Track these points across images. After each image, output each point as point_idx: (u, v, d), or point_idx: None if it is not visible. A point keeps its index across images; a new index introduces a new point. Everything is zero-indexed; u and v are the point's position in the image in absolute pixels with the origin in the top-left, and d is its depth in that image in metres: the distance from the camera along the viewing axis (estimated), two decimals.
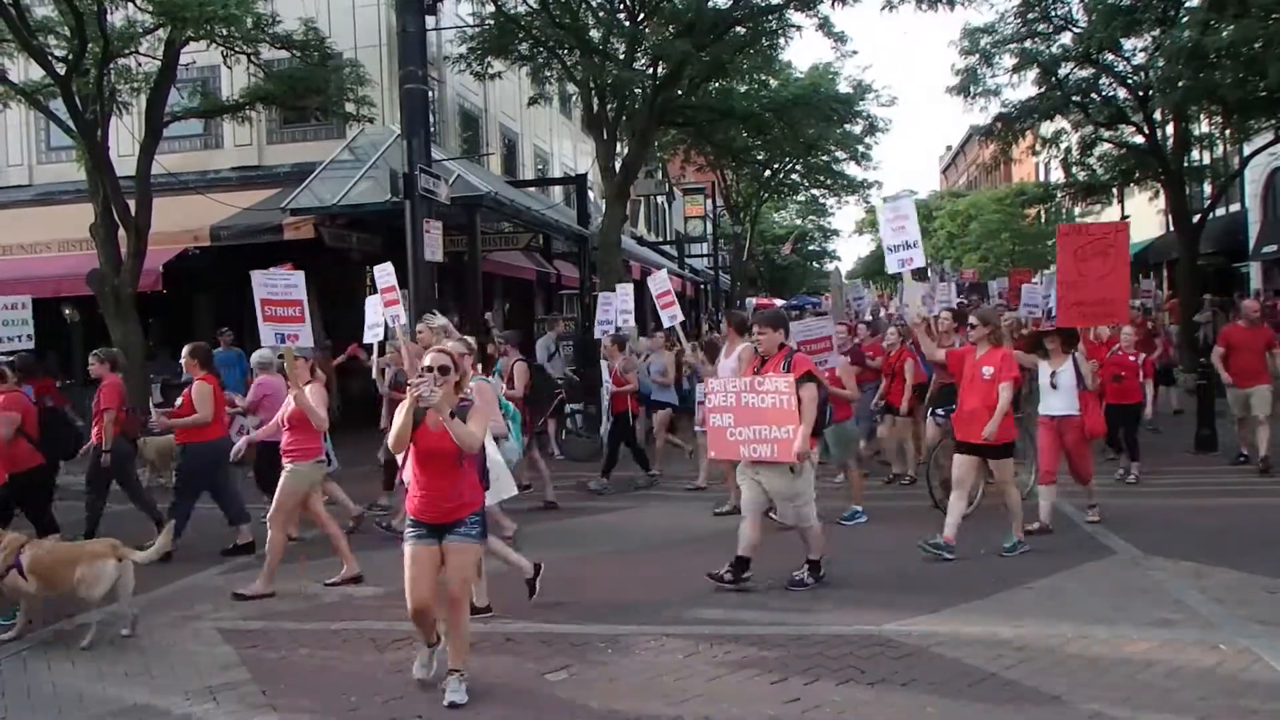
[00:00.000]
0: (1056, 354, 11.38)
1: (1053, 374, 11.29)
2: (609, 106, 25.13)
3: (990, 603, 8.58)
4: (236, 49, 18.97)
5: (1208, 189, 35.20)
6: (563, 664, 7.41)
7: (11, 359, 12.16)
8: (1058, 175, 40.94)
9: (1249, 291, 37.54)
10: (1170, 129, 29.59)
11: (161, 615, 9.05)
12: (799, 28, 26.34)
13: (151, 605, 9.34)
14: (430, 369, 6.66)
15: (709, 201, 52.54)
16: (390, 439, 6.91)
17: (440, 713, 6.64)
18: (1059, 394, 11.24)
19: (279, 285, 10.26)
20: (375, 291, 14.42)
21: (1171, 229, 34.67)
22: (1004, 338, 11.06)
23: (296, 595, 9.59)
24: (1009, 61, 29.53)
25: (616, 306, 17.86)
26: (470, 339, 10.01)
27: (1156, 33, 25.44)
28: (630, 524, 12.59)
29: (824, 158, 46.02)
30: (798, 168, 50.39)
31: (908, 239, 11.01)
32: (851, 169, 49.11)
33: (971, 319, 10.96)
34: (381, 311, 13.86)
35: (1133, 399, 14.23)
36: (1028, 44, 29.16)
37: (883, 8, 23.26)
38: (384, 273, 13.67)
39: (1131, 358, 14.24)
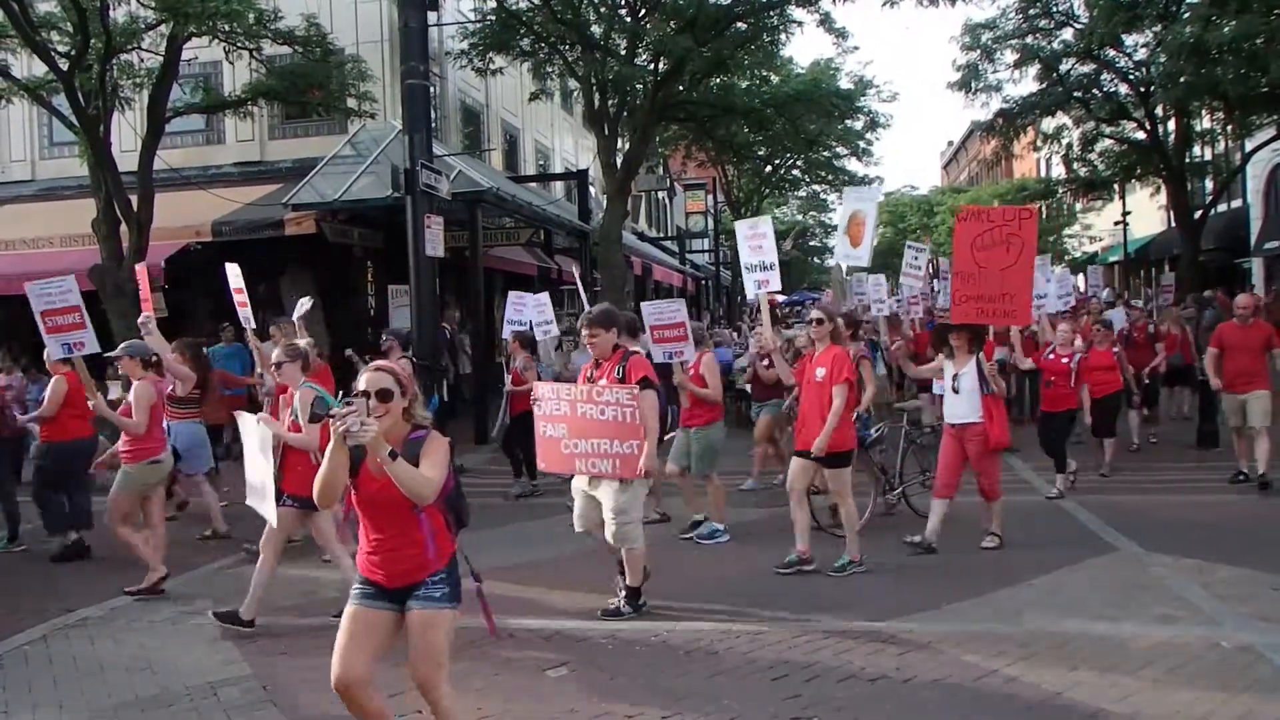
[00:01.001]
0: (961, 353, 10.41)
1: (955, 376, 10.35)
2: (610, 102, 25.13)
3: (992, 599, 8.57)
4: (238, 45, 18.96)
5: (1209, 185, 35.24)
6: (562, 660, 7.41)
7: None
8: (1059, 171, 41.08)
9: (1250, 288, 37.58)
10: (1172, 125, 29.67)
11: (163, 610, 9.05)
12: (800, 23, 26.40)
13: (153, 601, 9.35)
14: (365, 394, 5.02)
15: (710, 197, 52.55)
16: (315, 490, 5.12)
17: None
18: (961, 399, 10.27)
19: (54, 294, 9.99)
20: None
21: (1173, 225, 34.68)
22: (843, 335, 10.21)
23: (297, 591, 9.59)
24: (1010, 57, 29.68)
25: (529, 314, 16.18)
26: (305, 341, 9.75)
27: (1158, 28, 25.50)
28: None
29: (825, 153, 46.04)
30: (799, 163, 50.42)
31: (765, 259, 10.61)
32: (853, 164, 49.12)
33: (812, 314, 10.25)
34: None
35: (1065, 405, 13.32)
36: (1029, 40, 29.26)
37: (884, 3, 23.33)
38: (233, 274, 13.64)
39: (1065, 360, 13.17)
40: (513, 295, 16.39)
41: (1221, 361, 13.27)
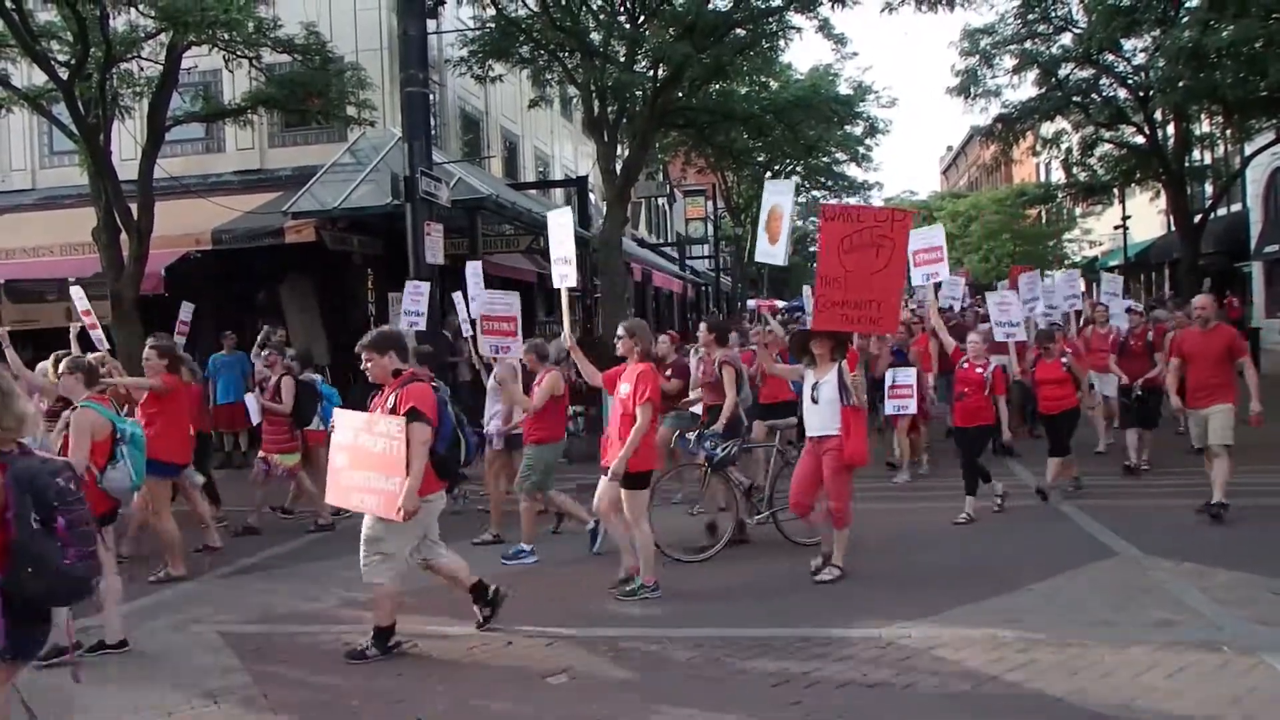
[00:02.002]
0: (822, 362, 9.75)
1: (815, 386, 9.73)
2: (609, 109, 25.13)
3: (992, 605, 8.57)
4: (238, 53, 18.97)
5: (1209, 189, 35.27)
6: (563, 667, 7.42)
7: None
8: (1058, 176, 41.08)
9: (1250, 291, 37.59)
10: (1171, 129, 29.70)
11: (163, 619, 9.06)
12: (799, 30, 26.37)
13: (153, 609, 9.36)
14: None
15: (710, 203, 52.57)
16: None
17: (440, 717, 6.66)
18: (820, 410, 9.65)
19: None
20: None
21: (1173, 229, 34.70)
22: (651, 352, 9.71)
23: (297, 599, 9.60)
24: (1009, 62, 29.71)
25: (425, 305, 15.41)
26: (87, 358, 9.55)
27: (1157, 33, 25.51)
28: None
29: (824, 159, 46.07)
30: (798, 169, 50.37)
31: (565, 253, 10.34)
32: (852, 170, 49.29)
33: (619, 330, 9.70)
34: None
35: (981, 420, 12.28)
36: (1028, 45, 29.30)
37: (882, 9, 23.36)
38: (78, 296, 13.68)
39: (980, 371, 12.24)
40: (410, 286, 15.19)
41: (1183, 374, 12.18)
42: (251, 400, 13.61)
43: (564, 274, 10.28)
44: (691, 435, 11.18)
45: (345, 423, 8.17)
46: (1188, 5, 24.60)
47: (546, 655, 7.72)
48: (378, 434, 7.68)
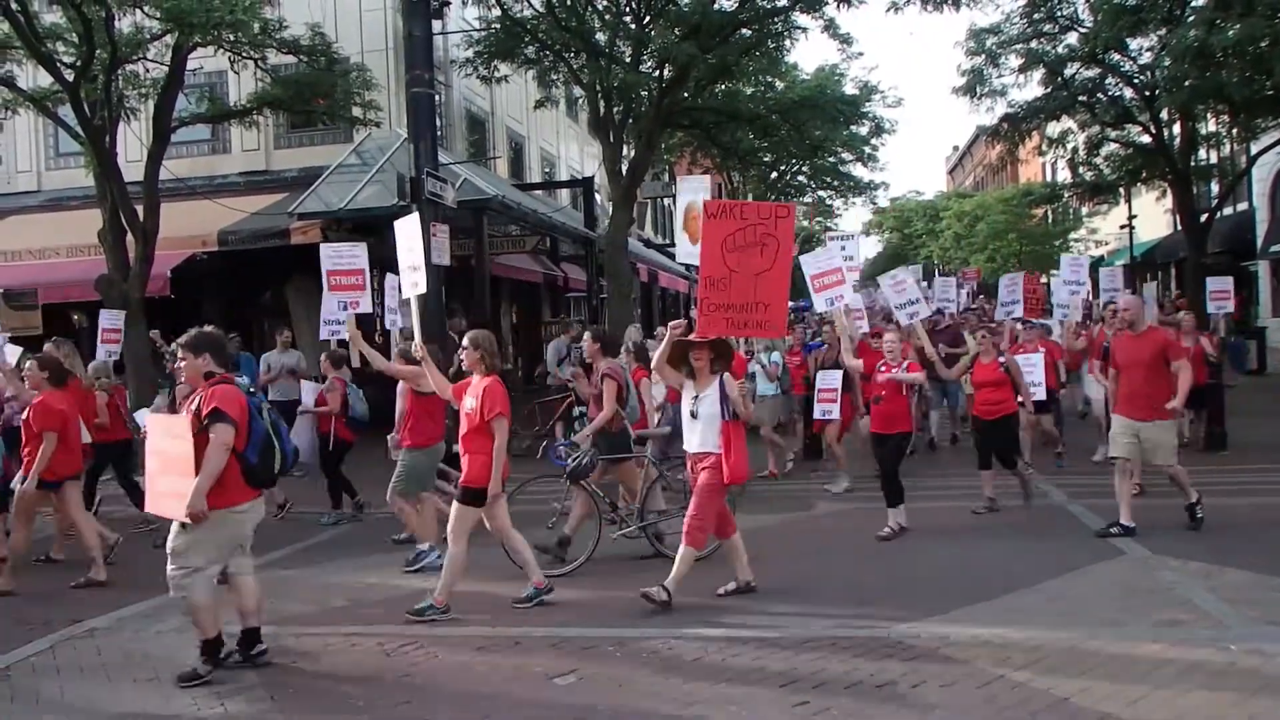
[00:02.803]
0: (703, 374, 8.99)
1: (695, 399, 8.97)
2: (615, 109, 25.15)
3: (999, 604, 8.55)
4: (243, 54, 19.04)
5: (1215, 188, 35.18)
6: (570, 667, 7.41)
7: None
8: (1064, 175, 41.01)
9: (1257, 291, 37.53)
10: (1177, 128, 29.68)
11: (169, 621, 9.05)
12: (805, 29, 26.44)
13: (159, 610, 9.36)
14: None
15: None
16: None
17: (448, 717, 6.65)
18: (698, 425, 8.93)
19: None
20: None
21: (1179, 228, 34.65)
22: (496, 365, 9.13)
23: (304, 600, 9.60)
24: (1015, 62, 29.66)
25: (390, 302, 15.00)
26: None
27: (1162, 32, 25.47)
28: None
29: (830, 159, 46.03)
30: (804, 169, 50.37)
31: (414, 260, 10.06)
32: (858, 170, 49.20)
33: (463, 341, 9.24)
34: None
35: (899, 427, 11.53)
36: (1034, 44, 29.25)
37: (888, 9, 23.34)
38: None
39: (885, 373, 11.46)
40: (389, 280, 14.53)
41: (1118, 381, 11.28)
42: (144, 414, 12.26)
43: (415, 281, 10.00)
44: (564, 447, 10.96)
45: (154, 426, 8.02)
46: (1193, 4, 24.55)
47: (554, 655, 7.71)
48: (174, 435, 7.46)
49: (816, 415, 14.27)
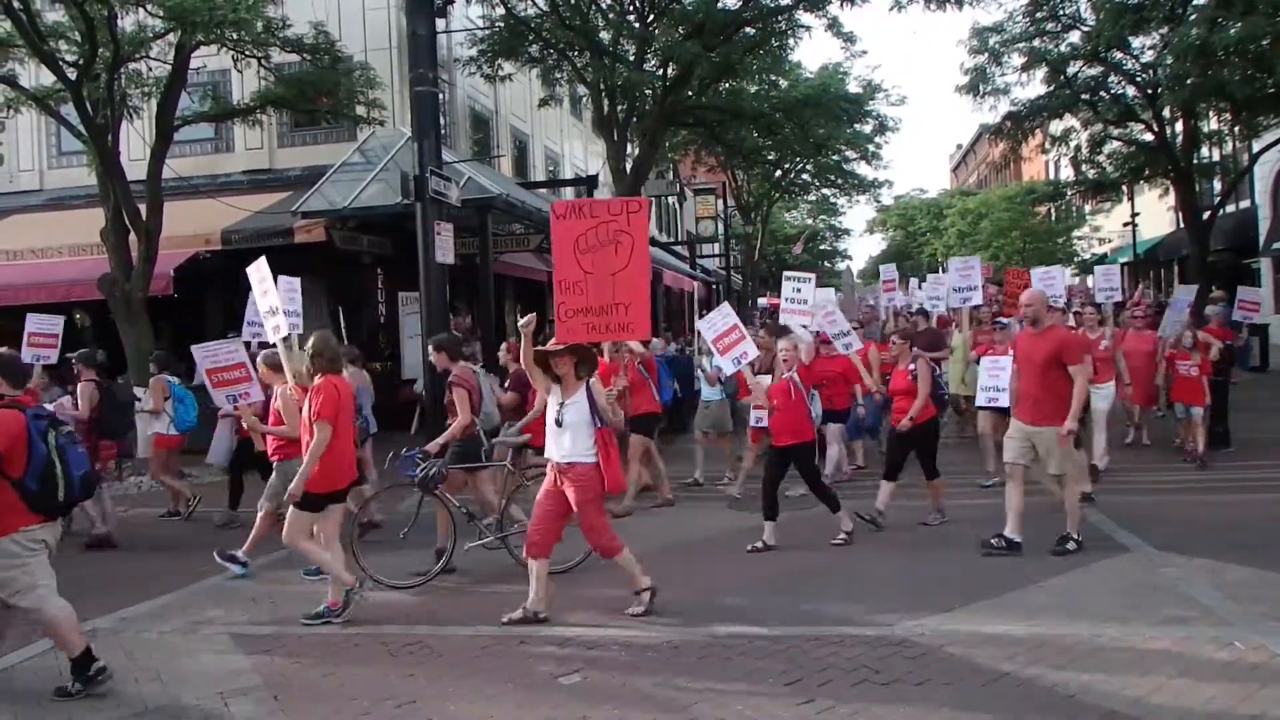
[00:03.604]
0: (568, 381, 8.57)
1: (560, 406, 8.52)
2: (619, 108, 25.17)
3: (1003, 601, 8.55)
4: (247, 53, 18.99)
5: (1218, 185, 35.20)
6: (576, 667, 7.41)
7: None
8: (1068, 173, 41.03)
9: (1260, 287, 37.52)
10: (1179, 126, 29.70)
11: (173, 620, 9.06)
12: (808, 28, 26.47)
13: (163, 610, 9.37)
14: None
15: (720, 202, 52.57)
16: None
17: (451, 718, 6.66)
18: (565, 434, 8.47)
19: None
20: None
21: (1181, 226, 34.65)
22: (339, 366, 8.98)
23: (307, 601, 9.60)
24: (1018, 60, 29.69)
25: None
26: None
27: (1165, 30, 25.49)
28: (643, 528, 12.54)
29: (834, 157, 46.08)
30: (808, 167, 50.44)
31: (272, 303, 9.85)
32: (862, 168, 49.26)
33: (309, 345, 9.03)
34: None
35: (798, 438, 10.79)
36: (1036, 43, 29.26)
37: (891, 7, 23.37)
38: None
39: (788, 378, 10.78)
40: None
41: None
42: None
43: (276, 325, 9.82)
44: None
45: None
46: (1196, 3, 24.54)
47: (559, 656, 7.71)
48: None
49: (751, 423, 13.48)
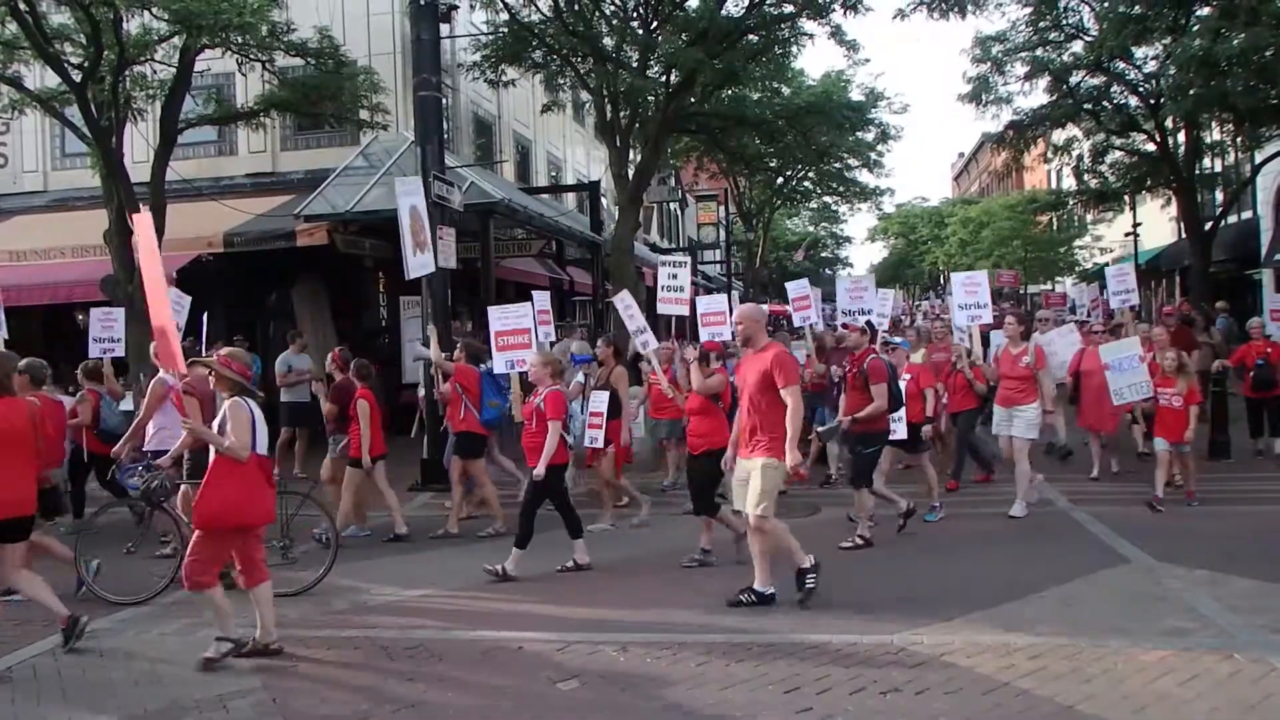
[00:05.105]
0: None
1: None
2: (622, 114, 25.17)
3: (1003, 611, 8.55)
4: (251, 56, 19.03)
5: (1219, 196, 35.18)
6: (573, 673, 7.41)
7: None
8: (1069, 182, 41.01)
9: (1260, 300, 37.48)
10: (1182, 136, 29.67)
11: (173, 622, 9.06)
12: (811, 36, 26.50)
13: (163, 612, 9.37)
14: None
15: (722, 208, 52.61)
16: None
17: None
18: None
19: None
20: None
21: (1183, 236, 34.64)
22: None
23: (309, 603, 9.60)
24: (1020, 69, 29.71)
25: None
26: None
27: (1167, 41, 25.47)
28: (644, 534, 12.54)
29: (836, 165, 46.14)
30: (810, 175, 50.50)
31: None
32: (864, 176, 49.39)
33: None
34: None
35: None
36: (1039, 52, 29.28)
37: (894, 16, 23.46)
38: None
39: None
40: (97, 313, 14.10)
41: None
42: None
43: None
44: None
45: None
46: (1199, 14, 24.56)
47: (558, 661, 7.71)
48: None
49: (585, 443, 12.50)
